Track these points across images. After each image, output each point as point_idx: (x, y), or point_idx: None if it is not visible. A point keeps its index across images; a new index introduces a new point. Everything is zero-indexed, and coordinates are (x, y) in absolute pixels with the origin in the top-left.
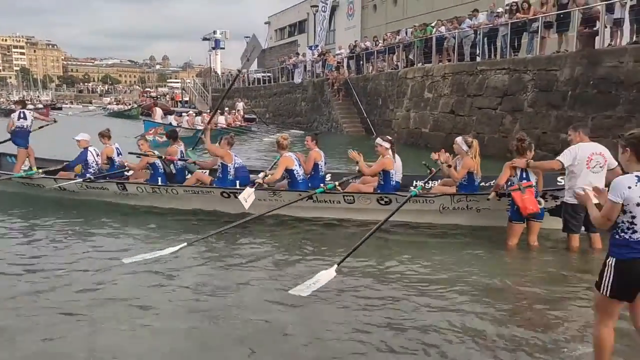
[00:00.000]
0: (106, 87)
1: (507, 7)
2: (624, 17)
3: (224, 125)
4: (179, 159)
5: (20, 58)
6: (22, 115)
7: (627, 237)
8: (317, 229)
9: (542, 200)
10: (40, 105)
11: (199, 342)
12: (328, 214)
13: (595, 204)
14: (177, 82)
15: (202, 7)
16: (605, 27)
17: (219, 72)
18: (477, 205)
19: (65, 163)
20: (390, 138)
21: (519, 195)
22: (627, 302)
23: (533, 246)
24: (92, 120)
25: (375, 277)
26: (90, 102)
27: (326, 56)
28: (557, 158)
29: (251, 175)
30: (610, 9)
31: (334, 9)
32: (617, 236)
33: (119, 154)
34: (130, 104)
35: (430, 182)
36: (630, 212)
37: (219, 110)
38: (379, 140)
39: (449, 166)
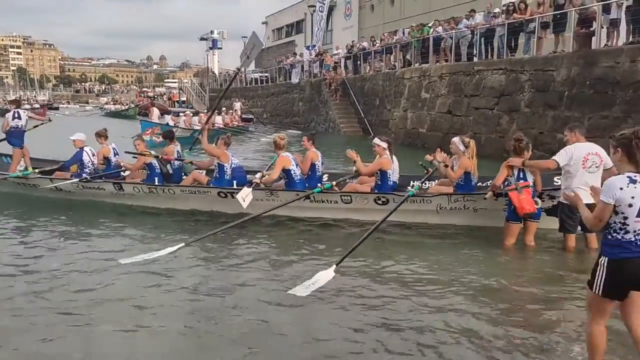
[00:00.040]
0: (103, 87)
1: (504, 8)
2: (620, 18)
3: (221, 125)
4: (176, 159)
5: (17, 58)
6: (16, 115)
7: (619, 237)
8: (314, 229)
9: (538, 201)
10: (37, 105)
11: (197, 342)
12: (325, 214)
13: (590, 204)
14: (175, 82)
15: (199, 7)
16: (602, 27)
17: (216, 72)
18: (474, 205)
19: (61, 163)
20: (387, 138)
21: (516, 195)
22: (618, 301)
23: (529, 246)
24: (89, 120)
25: (373, 277)
26: (87, 102)
27: (323, 56)
28: (553, 158)
29: (248, 176)
30: (606, 9)
31: (331, 9)
32: (609, 236)
33: (115, 154)
34: (127, 104)
35: (427, 182)
36: (622, 213)
37: (216, 111)
38: (376, 140)
39: (446, 166)
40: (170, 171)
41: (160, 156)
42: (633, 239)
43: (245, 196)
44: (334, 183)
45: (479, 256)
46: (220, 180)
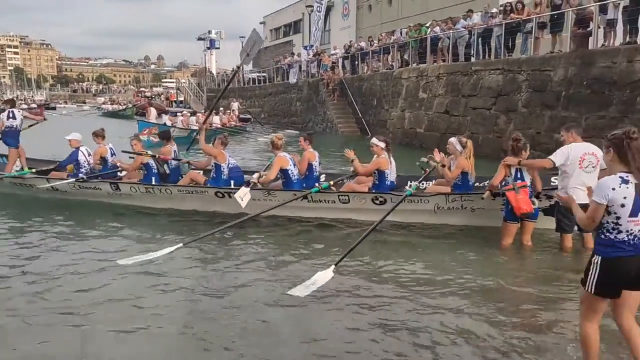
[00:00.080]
0: (100, 87)
1: (501, 8)
2: (617, 18)
3: (219, 125)
4: (173, 159)
5: (14, 58)
6: (11, 115)
7: (612, 237)
8: (312, 229)
9: (536, 201)
10: (34, 105)
11: (195, 343)
12: (323, 214)
13: (587, 204)
14: (172, 82)
15: (197, 6)
16: (599, 27)
17: (214, 72)
18: (471, 204)
19: (57, 163)
20: (385, 138)
21: (513, 195)
22: (610, 300)
23: (526, 246)
24: (86, 120)
25: (372, 277)
26: (84, 102)
27: (321, 56)
28: (549, 157)
29: (245, 176)
30: (603, 9)
31: (329, 9)
32: (602, 236)
33: (112, 154)
34: (124, 104)
35: (424, 182)
36: (615, 213)
37: (213, 110)
38: (374, 140)
39: (443, 166)
40: (167, 171)
41: (157, 155)
42: (626, 239)
43: (243, 195)
44: (332, 183)
45: (476, 256)
46: (218, 180)
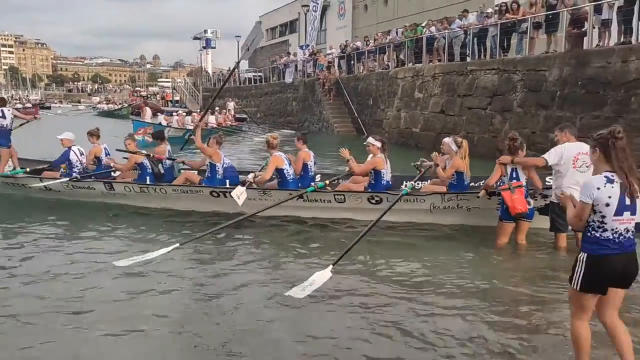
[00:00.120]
0: (96, 87)
1: (497, 8)
2: (611, 18)
3: (215, 125)
4: (167, 158)
5: (9, 57)
6: (0, 114)
7: (597, 235)
8: (308, 229)
9: (531, 201)
10: (29, 105)
11: (192, 345)
12: (319, 214)
13: None
14: (168, 82)
15: (193, 6)
16: (594, 27)
17: (209, 71)
18: (467, 204)
19: (49, 163)
20: (381, 137)
21: (509, 195)
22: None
23: (521, 245)
24: (81, 120)
25: (368, 277)
26: (79, 102)
27: (317, 56)
28: (543, 156)
29: (240, 176)
30: (598, 9)
31: (325, 9)
32: (588, 234)
33: (107, 154)
34: (120, 104)
35: (419, 182)
36: (600, 212)
37: (209, 110)
38: (370, 139)
39: (437, 165)
40: (162, 171)
41: (151, 155)
42: (611, 237)
43: (239, 194)
44: (327, 182)
45: (472, 255)
46: (212, 179)
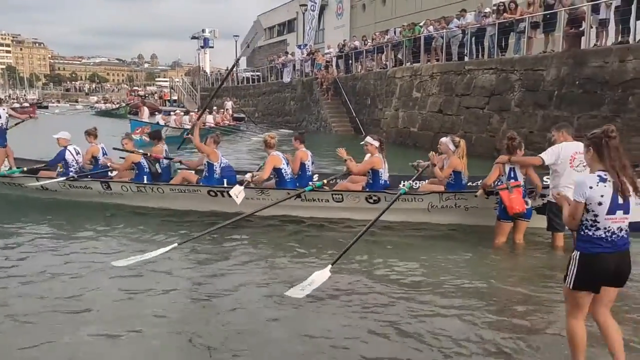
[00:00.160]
0: (93, 86)
1: (495, 8)
2: (609, 18)
3: (212, 125)
4: (165, 157)
5: (6, 56)
6: None
7: (590, 233)
8: (306, 228)
9: (529, 201)
10: (27, 104)
11: (190, 345)
12: (317, 213)
13: None
14: (166, 81)
15: (191, 5)
16: (591, 27)
17: (207, 71)
18: (465, 203)
19: (46, 163)
20: (379, 137)
21: (507, 195)
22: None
23: (519, 244)
24: (78, 119)
25: (366, 277)
26: (77, 101)
27: (315, 55)
28: (540, 155)
29: (238, 176)
30: (595, 9)
31: (323, 8)
32: (582, 232)
33: (104, 153)
34: (118, 103)
35: (417, 182)
36: (593, 211)
37: (207, 109)
38: (368, 138)
39: (434, 165)
40: (159, 170)
41: (148, 154)
42: (603, 236)
43: (237, 193)
44: (325, 181)
45: (470, 255)
46: (210, 179)
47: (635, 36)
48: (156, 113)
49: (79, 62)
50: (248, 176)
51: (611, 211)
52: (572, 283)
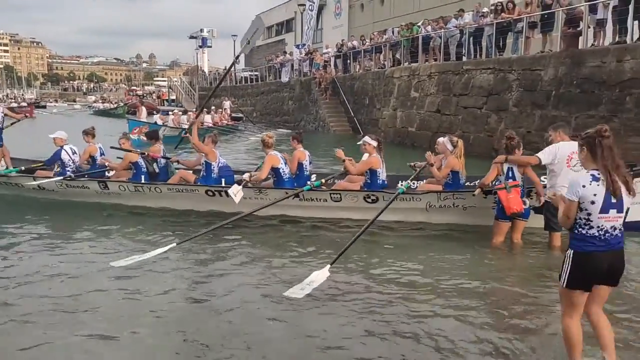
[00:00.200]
0: (92, 85)
1: (492, 7)
2: (606, 18)
3: (210, 124)
4: (162, 157)
5: (4, 56)
6: None
7: (584, 232)
8: (304, 228)
9: (527, 201)
10: (25, 104)
11: (190, 345)
12: (315, 213)
13: None
14: (164, 81)
15: (189, 5)
16: (589, 27)
17: (206, 70)
18: (463, 203)
19: (42, 162)
20: (377, 137)
21: (505, 195)
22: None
23: (516, 244)
24: (76, 119)
25: (365, 277)
26: (74, 101)
27: (313, 55)
28: (537, 154)
29: (236, 176)
30: (593, 9)
31: (321, 8)
32: (575, 231)
33: (102, 153)
34: (116, 103)
35: (415, 182)
36: (586, 210)
37: (205, 109)
38: (366, 138)
39: (431, 165)
40: (157, 170)
41: (146, 153)
42: (597, 234)
43: (236, 192)
44: (324, 181)
45: (467, 255)
46: (208, 178)
47: (632, 36)
48: (154, 113)
49: (76, 62)
50: (246, 176)
51: (604, 210)
52: (566, 282)
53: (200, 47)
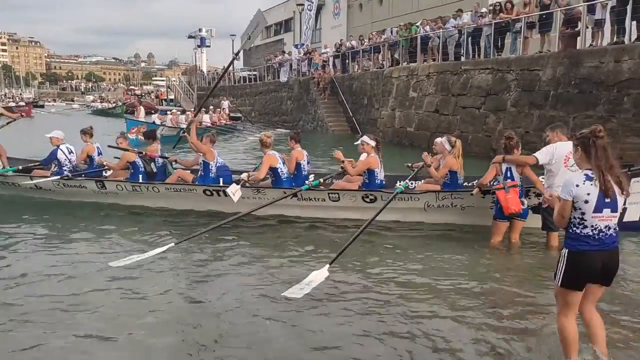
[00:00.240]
0: (90, 85)
1: (491, 8)
2: (604, 18)
3: (209, 124)
4: (160, 156)
5: (2, 55)
6: None
7: (578, 231)
8: (303, 228)
9: (525, 201)
10: (23, 103)
11: (189, 345)
12: (313, 213)
13: None
14: (162, 80)
15: (188, 4)
16: (587, 27)
17: (204, 70)
18: (461, 202)
19: (38, 162)
20: (376, 137)
21: (503, 195)
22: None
23: (514, 243)
24: (75, 119)
25: (363, 276)
26: (73, 100)
27: (312, 55)
28: (534, 154)
29: (234, 176)
30: (591, 9)
31: (319, 8)
32: (570, 230)
33: (99, 153)
34: (114, 102)
35: (413, 182)
36: (580, 209)
37: (203, 109)
38: (365, 138)
39: (428, 165)
40: (154, 169)
41: (144, 152)
42: (591, 233)
43: (235, 191)
44: (322, 180)
45: (465, 254)
46: (206, 178)
47: (630, 36)
48: (152, 112)
49: (75, 61)
50: (244, 175)
51: (598, 209)
52: (561, 281)
53: (199, 46)
